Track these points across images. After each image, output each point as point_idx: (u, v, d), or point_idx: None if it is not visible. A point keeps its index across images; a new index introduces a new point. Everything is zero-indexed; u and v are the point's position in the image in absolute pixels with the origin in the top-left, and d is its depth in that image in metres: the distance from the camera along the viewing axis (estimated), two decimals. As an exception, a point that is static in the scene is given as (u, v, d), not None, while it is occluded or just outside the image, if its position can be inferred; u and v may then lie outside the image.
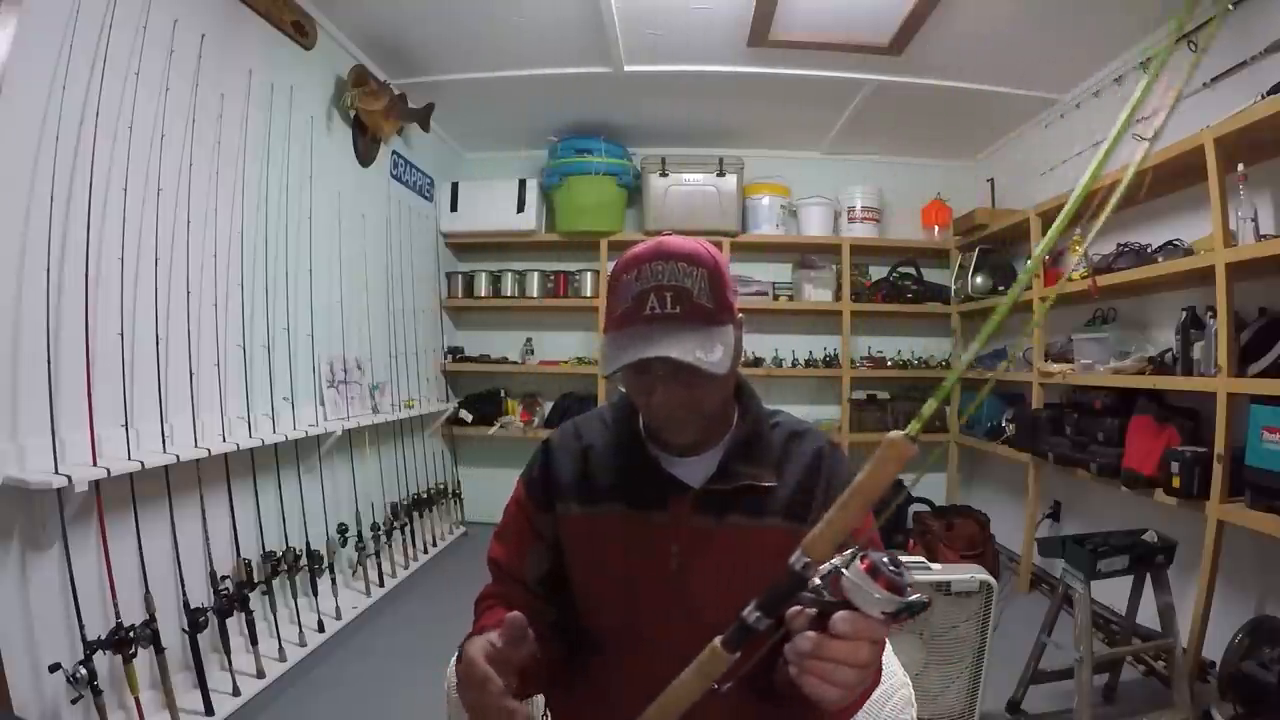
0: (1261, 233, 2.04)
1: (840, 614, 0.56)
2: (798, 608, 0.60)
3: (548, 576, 0.89)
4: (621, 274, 0.80)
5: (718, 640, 0.62)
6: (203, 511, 2.05)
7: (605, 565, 0.85)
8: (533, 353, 4.22)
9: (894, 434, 0.55)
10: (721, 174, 3.93)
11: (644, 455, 0.87)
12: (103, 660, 1.64)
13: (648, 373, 0.78)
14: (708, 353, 0.75)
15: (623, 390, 0.94)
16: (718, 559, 0.82)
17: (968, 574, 1.76)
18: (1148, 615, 2.10)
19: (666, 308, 0.77)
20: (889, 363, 4.11)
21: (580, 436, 0.92)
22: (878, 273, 4.21)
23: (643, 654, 0.82)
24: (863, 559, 0.56)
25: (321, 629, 2.42)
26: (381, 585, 2.92)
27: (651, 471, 0.86)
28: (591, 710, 0.87)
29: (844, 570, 0.56)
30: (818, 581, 0.58)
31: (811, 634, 0.58)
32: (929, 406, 0.57)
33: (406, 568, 3.18)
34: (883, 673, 1.02)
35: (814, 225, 4.14)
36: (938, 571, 1.78)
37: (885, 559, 0.56)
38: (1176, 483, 2.13)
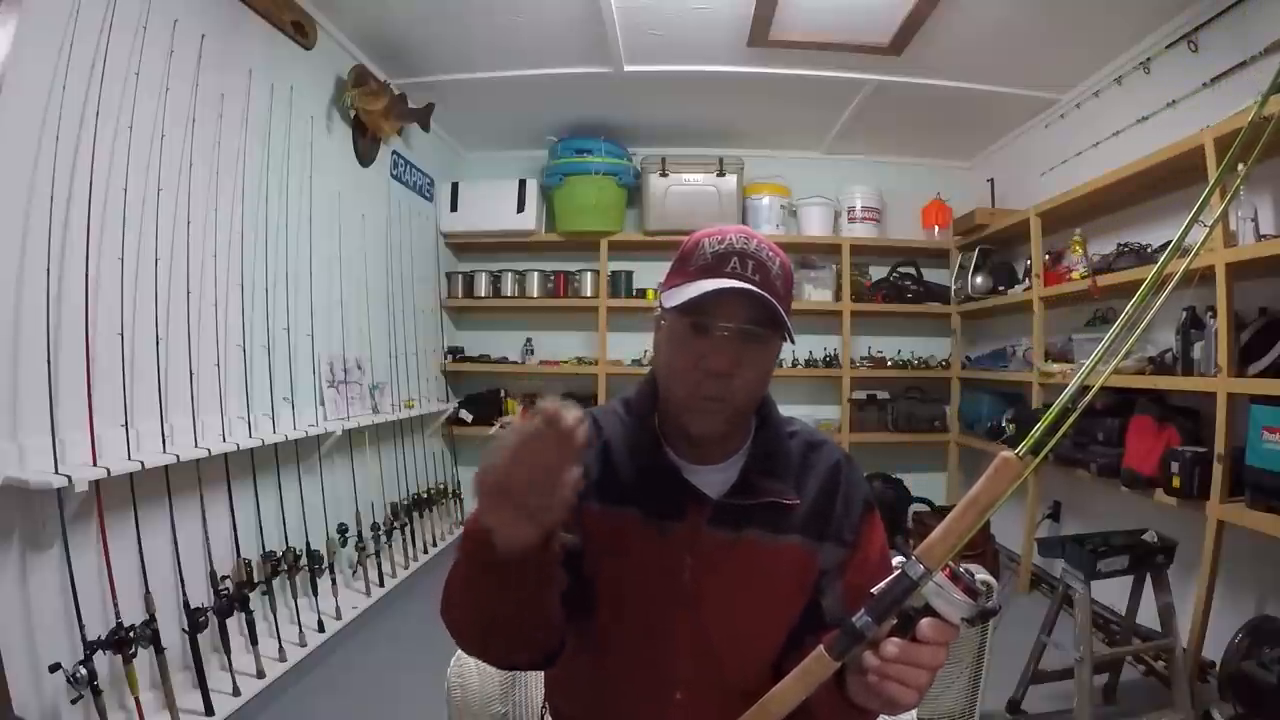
0: (1261, 233, 2.04)
1: (927, 620, 0.60)
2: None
3: (567, 555, 0.81)
4: (703, 238, 0.81)
5: (822, 647, 0.64)
6: (203, 511, 2.05)
7: (617, 568, 0.83)
8: (533, 353, 4.22)
9: (1006, 453, 0.59)
10: (721, 174, 3.93)
11: (664, 461, 0.84)
12: (103, 660, 1.63)
13: (707, 333, 0.77)
14: (787, 320, 0.77)
15: (632, 394, 0.92)
16: (732, 573, 0.81)
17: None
18: (1148, 615, 2.09)
19: (748, 273, 0.77)
20: (889, 363, 4.11)
21: (600, 431, 0.88)
22: (878, 273, 4.21)
23: (647, 659, 0.82)
24: (944, 567, 0.59)
25: (321, 629, 2.42)
26: (381, 585, 2.92)
27: (670, 479, 0.83)
28: (594, 713, 0.86)
29: (932, 576, 0.59)
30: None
31: (897, 639, 0.61)
32: (1040, 425, 0.61)
33: (406, 568, 3.18)
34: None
35: (814, 225, 4.14)
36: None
37: (963, 567, 0.60)
38: (1176, 483, 2.13)
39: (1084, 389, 0.65)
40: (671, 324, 0.80)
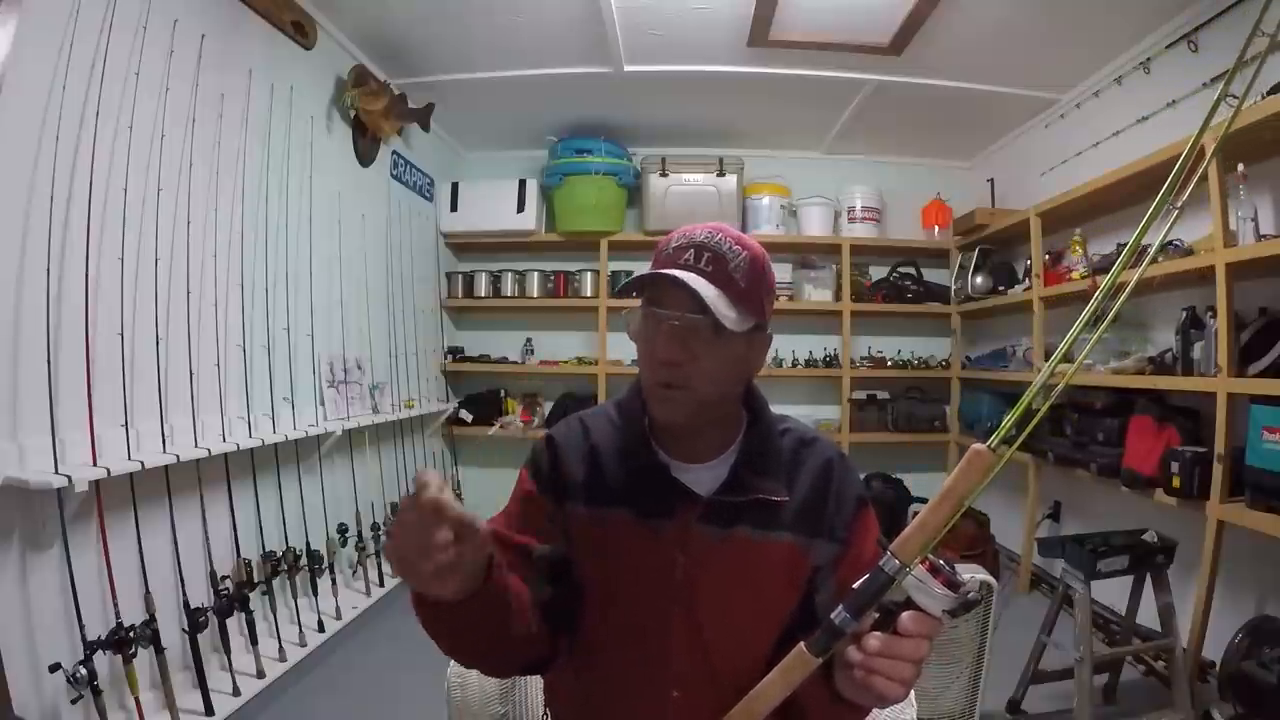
0: (1261, 233, 2.04)
1: (908, 613, 0.60)
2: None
3: (551, 564, 0.85)
4: (673, 237, 0.83)
5: (803, 644, 0.65)
6: (203, 511, 2.05)
7: (609, 568, 0.83)
8: (533, 353, 4.22)
9: (978, 446, 0.60)
10: (721, 174, 3.93)
11: (653, 461, 0.85)
12: (103, 660, 1.64)
13: (659, 324, 0.78)
14: (724, 308, 0.76)
15: (624, 395, 0.93)
16: (723, 571, 0.82)
17: (968, 574, 1.76)
18: (1148, 615, 2.10)
19: (700, 264, 0.78)
20: (889, 363, 4.11)
21: (588, 434, 0.89)
22: (878, 273, 4.21)
23: (642, 659, 0.82)
24: (923, 560, 0.60)
25: (321, 629, 2.42)
26: (381, 585, 2.92)
27: (660, 478, 0.83)
28: (593, 715, 0.86)
29: (909, 570, 0.60)
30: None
31: (879, 634, 0.62)
32: (1008, 420, 0.62)
33: (406, 568, 3.18)
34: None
35: (814, 225, 4.14)
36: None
37: (943, 560, 0.60)
38: (1176, 483, 2.13)
39: (1051, 381, 0.65)
40: (637, 316, 0.83)
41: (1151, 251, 0.66)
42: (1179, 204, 0.66)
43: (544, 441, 0.91)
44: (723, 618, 0.81)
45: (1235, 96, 0.69)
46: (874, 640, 0.62)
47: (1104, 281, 0.64)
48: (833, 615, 0.63)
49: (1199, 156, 0.62)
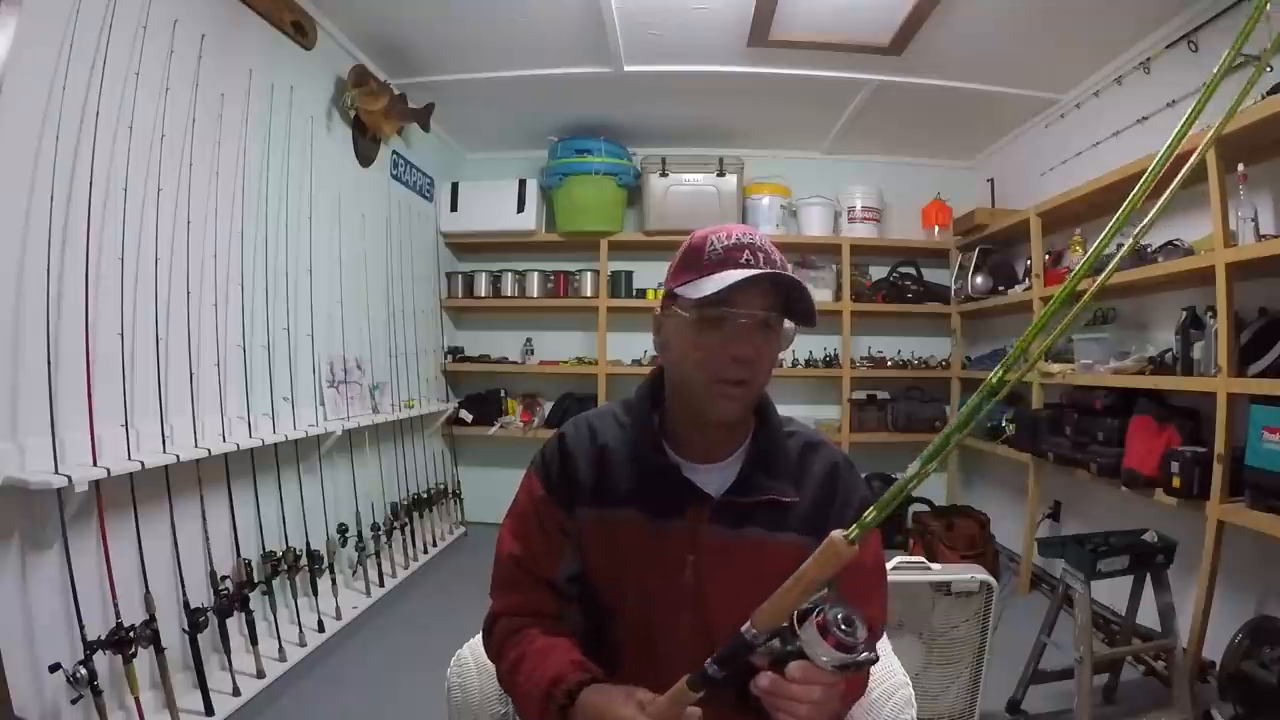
0: (1261, 233, 2.04)
1: (795, 662, 0.63)
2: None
3: (574, 583, 0.87)
4: (709, 235, 0.83)
5: (685, 678, 0.68)
6: (203, 511, 2.05)
7: (620, 570, 0.83)
8: (533, 353, 4.22)
9: (836, 534, 0.62)
10: (721, 174, 3.93)
11: (664, 461, 0.85)
12: (103, 660, 1.63)
13: (731, 322, 0.78)
14: (804, 307, 0.81)
15: (631, 396, 0.93)
16: (734, 571, 0.82)
17: (968, 574, 1.76)
18: (1148, 615, 2.09)
19: (760, 264, 0.79)
20: (889, 363, 4.11)
21: (595, 436, 0.89)
22: (878, 273, 4.21)
23: (650, 657, 0.82)
24: (817, 615, 0.62)
25: (321, 629, 2.42)
26: (381, 585, 2.91)
27: (671, 478, 0.84)
28: None
29: (797, 627, 0.63)
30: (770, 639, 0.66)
31: (769, 674, 0.65)
32: (872, 510, 0.63)
33: (406, 568, 3.18)
34: (881, 674, 1.02)
35: (814, 225, 4.14)
36: (938, 571, 1.78)
37: (840, 617, 0.62)
38: (1176, 483, 2.13)
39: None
40: (693, 316, 0.80)
41: (1117, 258, 0.67)
42: (1136, 230, 0.66)
43: (555, 444, 0.91)
44: (731, 617, 0.81)
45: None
46: (765, 679, 0.65)
47: (1056, 293, 0.64)
48: (706, 664, 0.67)
49: (1176, 163, 0.62)
